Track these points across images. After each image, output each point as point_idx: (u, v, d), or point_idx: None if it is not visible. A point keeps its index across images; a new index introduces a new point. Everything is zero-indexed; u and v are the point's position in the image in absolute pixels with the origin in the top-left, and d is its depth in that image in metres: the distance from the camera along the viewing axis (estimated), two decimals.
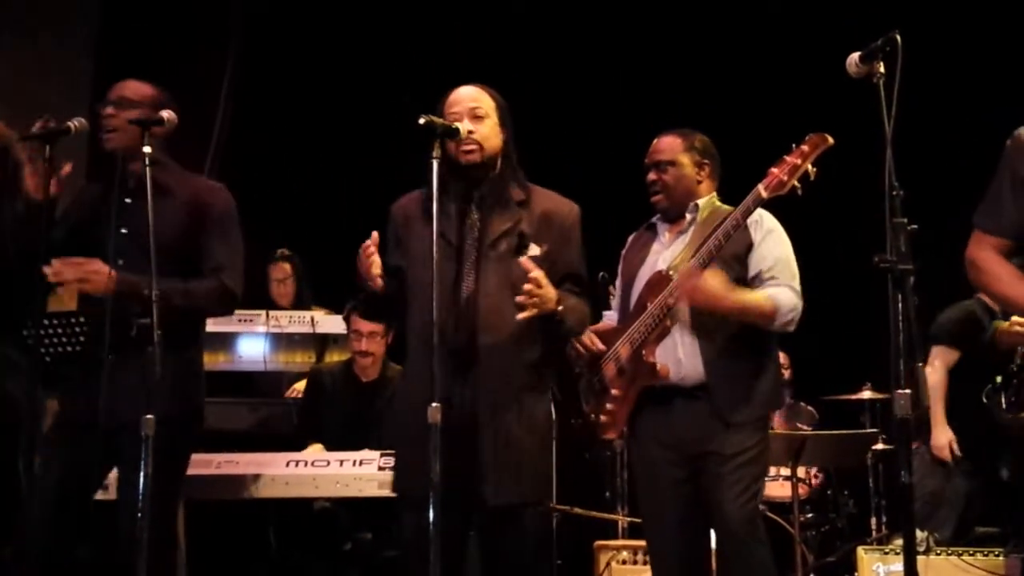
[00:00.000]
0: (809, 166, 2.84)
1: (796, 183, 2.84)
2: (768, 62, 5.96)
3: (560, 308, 2.77)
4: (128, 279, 2.85)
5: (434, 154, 2.62)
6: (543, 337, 2.83)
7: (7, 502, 3.07)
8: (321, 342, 5.00)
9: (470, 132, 2.79)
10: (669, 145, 3.19)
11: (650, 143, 3.24)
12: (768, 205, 2.96)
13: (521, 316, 2.70)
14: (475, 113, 2.82)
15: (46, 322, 3.77)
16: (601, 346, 3.15)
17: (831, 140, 2.85)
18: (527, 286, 2.69)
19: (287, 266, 5.28)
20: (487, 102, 2.86)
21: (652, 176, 3.18)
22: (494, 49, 5.99)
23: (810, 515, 4.96)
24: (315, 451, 4.04)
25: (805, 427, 5.19)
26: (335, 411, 4.37)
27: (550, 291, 2.73)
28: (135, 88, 3.07)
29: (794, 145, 2.88)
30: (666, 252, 3.16)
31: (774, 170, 2.88)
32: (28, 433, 2.90)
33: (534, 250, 2.80)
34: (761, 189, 2.88)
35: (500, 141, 2.85)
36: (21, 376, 3.16)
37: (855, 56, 2.52)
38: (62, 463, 2.94)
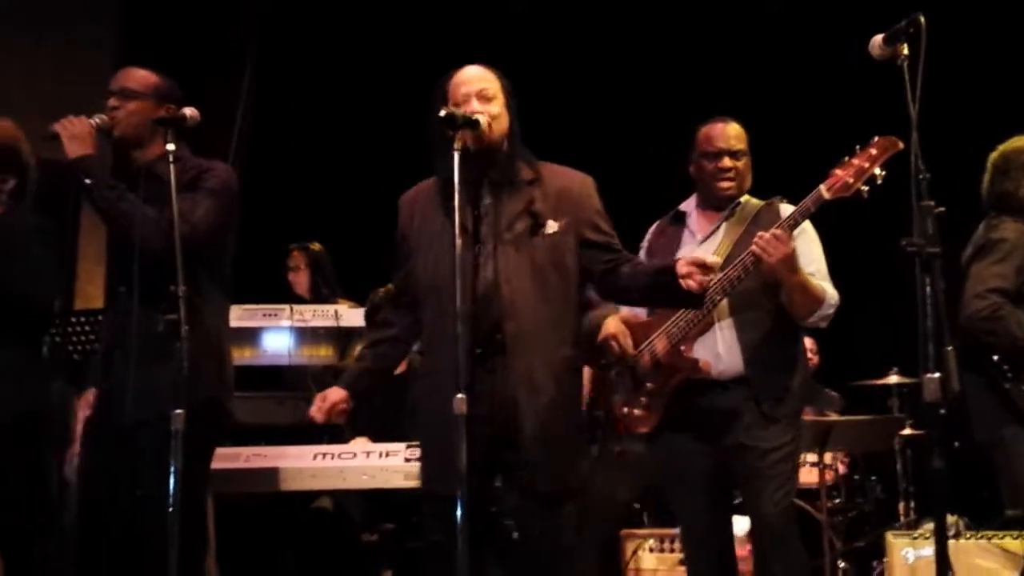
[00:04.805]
0: (877, 169, 2.79)
1: (862, 187, 2.80)
2: (778, 46, 5.92)
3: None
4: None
5: (455, 146, 2.59)
6: (577, 315, 2.80)
7: (42, 500, 3.10)
8: (345, 336, 5.01)
9: (489, 116, 2.72)
10: (740, 134, 3.15)
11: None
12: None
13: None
14: (483, 94, 2.75)
15: (73, 320, 3.80)
16: (631, 349, 3.13)
17: (901, 145, 2.75)
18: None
19: (300, 255, 5.31)
20: (494, 83, 2.79)
21: (727, 163, 3.12)
22: (505, 39, 5.97)
23: (837, 501, 4.93)
24: (362, 444, 4.01)
25: (831, 413, 5.16)
26: (366, 405, 4.37)
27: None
28: (139, 77, 3.04)
29: (858, 147, 2.83)
30: (701, 247, 3.13)
31: (838, 172, 2.83)
32: (59, 431, 2.93)
33: (552, 227, 2.74)
34: (823, 191, 2.85)
35: (508, 122, 2.79)
36: (51, 375, 3.19)
37: (878, 38, 2.50)
38: (92, 461, 2.96)
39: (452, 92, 2.76)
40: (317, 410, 2.84)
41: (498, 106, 2.76)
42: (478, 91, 2.75)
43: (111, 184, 2.91)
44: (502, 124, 2.76)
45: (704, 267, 2.58)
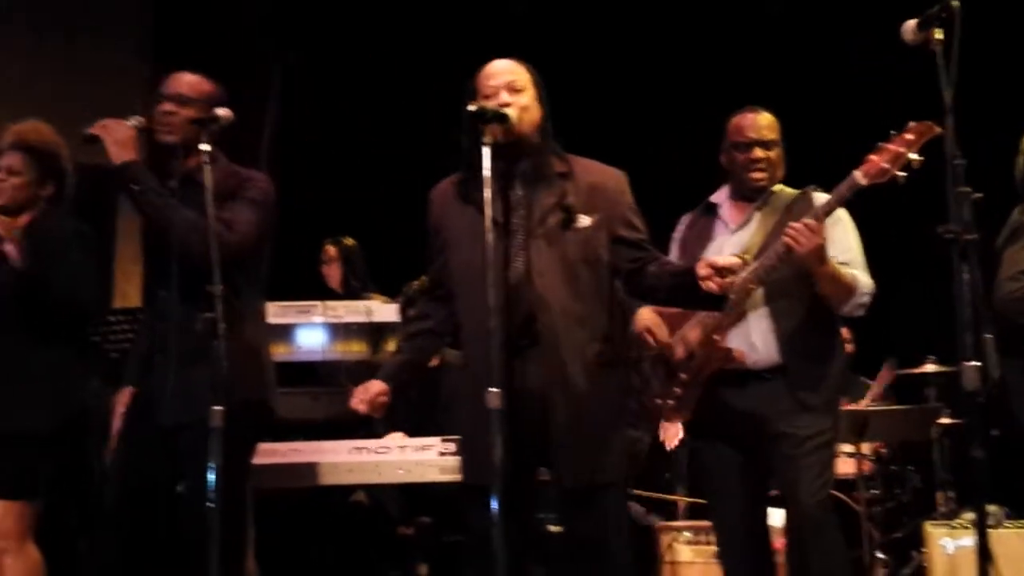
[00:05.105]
0: (913, 155, 2.76)
1: (898, 172, 2.77)
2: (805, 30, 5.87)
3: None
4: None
5: (485, 140, 2.59)
6: (612, 308, 2.80)
7: (83, 497, 3.15)
8: (378, 331, 5.04)
9: (519, 108, 2.71)
10: (772, 124, 3.14)
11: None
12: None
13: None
14: (513, 86, 2.74)
15: (111, 319, 3.86)
16: (667, 340, 3.12)
17: (938, 129, 2.70)
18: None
19: (332, 248, 5.38)
20: (523, 75, 2.78)
21: (759, 153, 3.10)
22: (535, 33, 5.97)
23: (874, 491, 4.90)
24: (398, 439, 4.03)
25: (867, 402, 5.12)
26: (401, 400, 4.39)
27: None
28: (192, 84, 3.06)
29: (893, 132, 2.80)
30: (734, 237, 3.12)
31: (873, 157, 2.80)
32: (99, 430, 2.98)
33: (584, 220, 2.74)
34: (859, 176, 2.82)
35: (539, 114, 2.78)
36: (90, 374, 3.24)
37: (911, 23, 2.48)
38: (131, 459, 2.99)
39: (481, 85, 2.76)
40: (359, 402, 2.84)
41: (528, 98, 2.75)
42: (507, 83, 2.74)
43: (158, 191, 2.94)
44: (533, 116, 2.75)
45: (723, 270, 2.57)
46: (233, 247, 2.87)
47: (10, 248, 3.12)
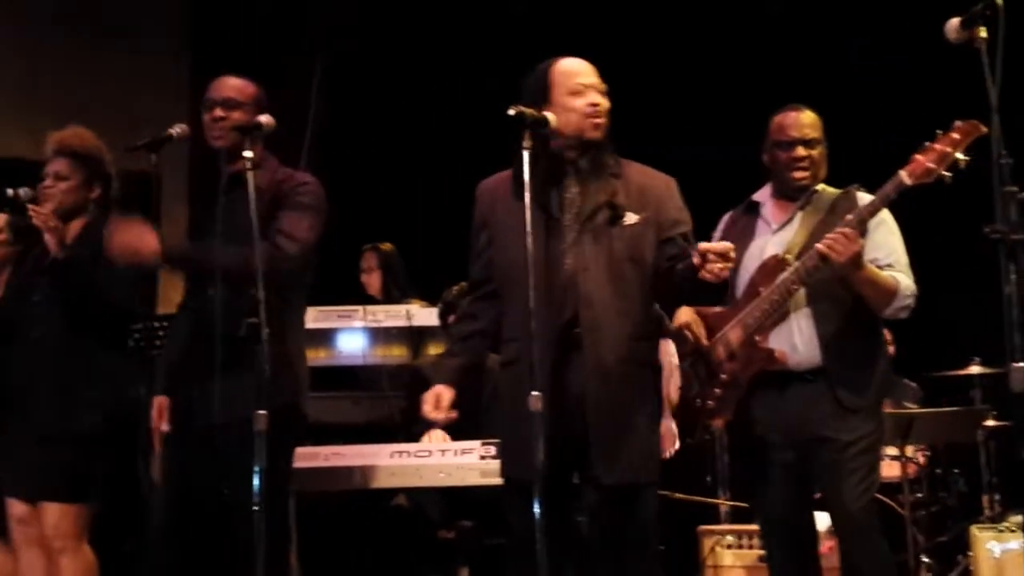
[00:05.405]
0: (960, 154, 2.73)
1: (944, 172, 2.74)
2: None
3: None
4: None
5: (525, 144, 2.61)
6: (650, 309, 2.80)
7: (129, 500, 3.20)
8: (417, 335, 5.06)
9: (606, 110, 2.76)
10: (815, 122, 3.11)
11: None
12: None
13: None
14: (600, 88, 2.79)
15: (155, 324, 3.90)
16: (705, 339, 3.11)
17: (984, 128, 2.66)
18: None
19: (372, 256, 5.40)
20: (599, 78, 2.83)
21: (801, 152, 3.07)
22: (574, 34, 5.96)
23: (919, 495, 4.84)
24: (439, 437, 4.04)
25: (911, 405, 5.07)
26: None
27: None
28: (240, 88, 3.10)
29: (939, 132, 2.77)
30: (775, 237, 3.10)
31: (919, 157, 2.77)
32: (144, 434, 3.02)
33: (631, 218, 2.75)
34: (904, 176, 2.79)
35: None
36: (136, 379, 3.28)
37: (954, 22, 2.46)
38: (173, 463, 3.04)
39: (561, 82, 2.77)
40: (435, 410, 2.81)
41: (607, 101, 2.80)
42: (597, 83, 2.79)
43: (191, 258, 3.08)
44: (607, 118, 2.79)
45: (723, 256, 2.54)
46: (296, 258, 2.96)
47: (50, 239, 3.18)
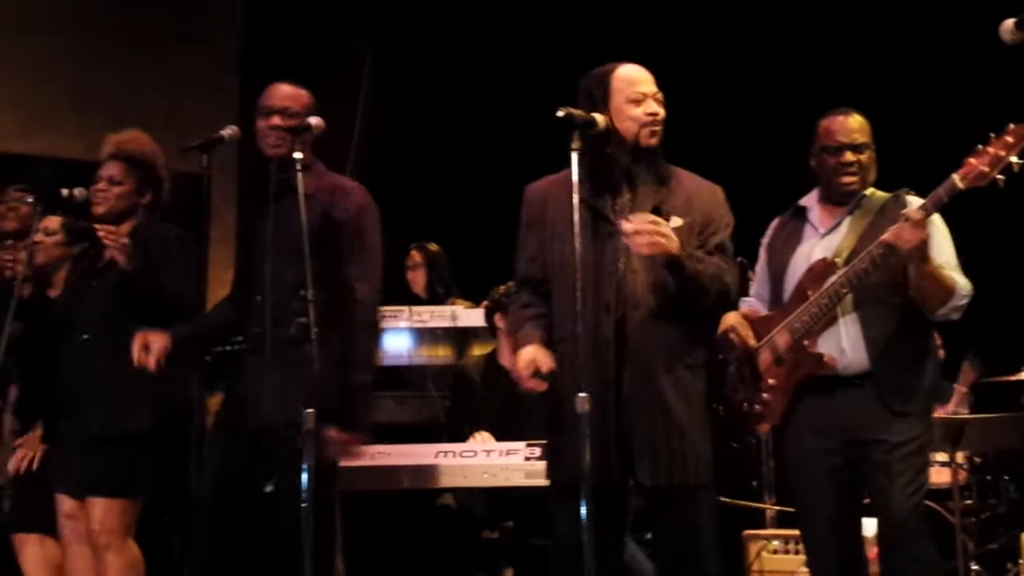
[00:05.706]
0: (1014, 158, 2.70)
1: (998, 175, 2.71)
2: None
3: (681, 254, 2.69)
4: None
5: (574, 146, 2.63)
6: (691, 308, 2.80)
7: (179, 495, 3.24)
8: (462, 335, 5.08)
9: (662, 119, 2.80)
10: (863, 126, 3.07)
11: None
12: None
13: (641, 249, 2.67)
14: (658, 97, 2.83)
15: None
16: (753, 341, 3.10)
17: None
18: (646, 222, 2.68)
19: (418, 255, 5.44)
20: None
21: (849, 157, 3.04)
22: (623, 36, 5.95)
23: (969, 502, 4.78)
24: (484, 438, 4.05)
25: (962, 410, 5.00)
26: (486, 405, 4.42)
27: (670, 233, 2.68)
28: (296, 96, 3.12)
29: (992, 135, 2.73)
30: (823, 241, 3.08)
31: (972, 160, 2.74)
32: (196, 430, 3.06)
33: (675, 222, 2.77)
34: (957, 180, 2.75)
35: None
36: (189, 375, 3.33)
37: (1009, 23, 2.43)
38: (221, 461, 3.08)
39: (621, 88, 2.81)
40: (531, 379, 2.74)
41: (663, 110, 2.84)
42: (654, 92, 2.83)
43: (207, 335, 3.30)
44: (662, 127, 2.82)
45: (652, 224, 2.61)
46: (378, 300, 3.08)
47: (116, 254, 3.23)
